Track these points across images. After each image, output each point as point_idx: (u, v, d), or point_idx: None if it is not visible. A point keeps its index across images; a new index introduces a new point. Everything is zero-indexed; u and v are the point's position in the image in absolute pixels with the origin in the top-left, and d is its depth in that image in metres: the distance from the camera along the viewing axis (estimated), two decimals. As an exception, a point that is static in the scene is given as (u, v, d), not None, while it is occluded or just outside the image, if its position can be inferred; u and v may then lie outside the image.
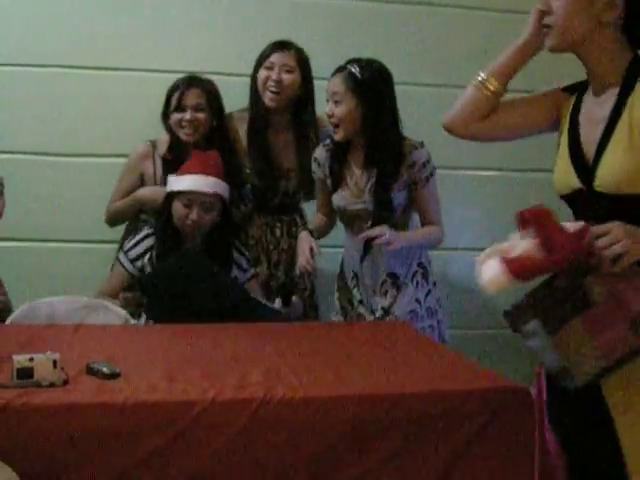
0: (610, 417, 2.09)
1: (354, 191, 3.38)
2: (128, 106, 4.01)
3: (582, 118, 2.22)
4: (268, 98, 3.58)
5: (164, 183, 3.51)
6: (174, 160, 3.55)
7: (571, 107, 2.27)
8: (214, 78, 3.68)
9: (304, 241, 3.36)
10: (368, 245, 3.30)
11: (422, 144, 3.32)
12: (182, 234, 3.38)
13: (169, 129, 3.62)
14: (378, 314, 3.36)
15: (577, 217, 2.15)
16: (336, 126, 3.28)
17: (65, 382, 2.18)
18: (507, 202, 3.29)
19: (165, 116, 3.61)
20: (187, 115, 3.54)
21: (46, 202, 3.99)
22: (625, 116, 2.08)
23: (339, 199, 3.41)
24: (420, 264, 3.42)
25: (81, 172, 4.02)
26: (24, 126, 3.97)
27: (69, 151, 4.02)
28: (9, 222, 3.12)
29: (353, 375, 2.38)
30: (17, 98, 3.95)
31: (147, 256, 3.41)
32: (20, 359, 2.16)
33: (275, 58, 3.58)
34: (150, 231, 3.45)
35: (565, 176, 2.21)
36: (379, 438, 2.16)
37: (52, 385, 2.15)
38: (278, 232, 3.73)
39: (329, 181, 3.45)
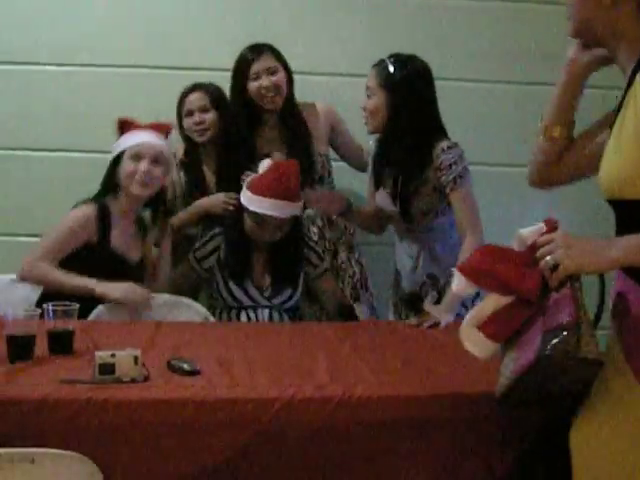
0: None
1: (383, 193, 3.41)
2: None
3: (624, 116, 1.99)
4: (269, 103, 3.65)
5: (187, 188, 3.72)
6: (192, 163, 3.74)
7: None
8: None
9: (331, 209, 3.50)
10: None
11: (455, 144, 3.23)
12: (252, 242, 3.44)
13: (185, 137, 3.75)
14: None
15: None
16: (366, 119, 3.30)
17: (146, 378, 2.22)
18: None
19: (180, 126, 3.73)
20: (195, 117, 3.67)
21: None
22: (622, 113, 1.90)
23: (378, 198, 3.44)
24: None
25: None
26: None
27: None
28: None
29: (429, 374, 2.39)
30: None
31: (214, 256, 3.48)
32: (102, 355, 2.21)
33: (256, 67, 3.62)
34: (218, 231, 3.51)
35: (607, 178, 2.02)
36: (466, 438, 2.18)
37: (133, 381, 2.19)
38: (320, 223, 3.76)
39: (373, 179, 3.50)
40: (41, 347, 2.43)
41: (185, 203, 3.70)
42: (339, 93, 3.95)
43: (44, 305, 2.49)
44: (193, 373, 2.29)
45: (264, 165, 3.36)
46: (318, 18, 4.13)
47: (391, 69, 3.21)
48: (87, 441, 2.01)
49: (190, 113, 3.68)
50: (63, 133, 4.04)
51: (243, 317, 3.43)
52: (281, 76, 3.64)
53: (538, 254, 1.85)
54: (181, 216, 3.69)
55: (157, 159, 3.31)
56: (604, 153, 1.92)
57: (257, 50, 3.63)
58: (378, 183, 3.43)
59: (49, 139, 4.04)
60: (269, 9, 4.09)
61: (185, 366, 2.31)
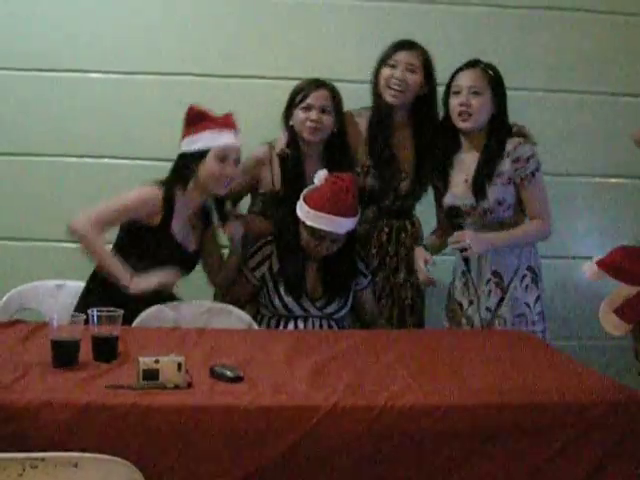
0: None
1: (464, 188, 3.52)
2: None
3: None
4: (390, 95, 3.64)
5: (283, 184, 3.64)
6: (293, 158, 3.65)
7: None
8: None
9: (418, 256, 3.54)
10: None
11: (526, 139, 3.50)
12: (306, 252, 3.49)
13: (289, 129, 3.67)
14: (483, 315, 3.48)
15: None
16: (469, 115, 3.45)
17: (189, 385, 2.26)
18: (634, 210, 3.24)
19: (287, 115, 3.67)
20: (313, 114, 3.58)
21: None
22: None
23: (448, 198, 3.56)
24: (530, 268, 3.51)
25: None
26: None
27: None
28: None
29: (476, 383, 2.42)
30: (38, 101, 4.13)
31: (266, 265, 3.53)
32: (146, 361, 2.25)
33: (400, 57, 3.64)
34: (267, 239, 3.56)
35: None
36: (504, 449, 2.20)
37: (176, 387, 2.24)
38: (384, 237, 3.76)
39: (441, 185, 3.61)
40: (85, 353, 2.47)
41: (277, 199, 3.67)
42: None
43: (88, 311, 2.53)
44: (236, 380, 2.32)
45: (320, 177, 3.41)
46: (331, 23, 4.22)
47: (491, 71, 3.49)
48: (130, 447, 2.05)
49: (309, 108, 3.59)
50: (108, 139, 4.15)
51: (291, 326, 3.48)
52: (416, 78, 3.65)
53: None
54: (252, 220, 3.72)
55: (238, 161, 3.40)
56: None
57: (408, 44, 3.68)
58: (445, 184, 3.58)
59: (92, 146, 4.15)
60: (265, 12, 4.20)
61: (228, 373, 2.34)
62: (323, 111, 3.59)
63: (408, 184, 3.75)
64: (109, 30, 4.11)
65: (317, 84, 3.63)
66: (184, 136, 3.36)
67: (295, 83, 3.70)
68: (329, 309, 3.52)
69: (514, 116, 3.55)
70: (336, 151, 3.66)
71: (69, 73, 4.12)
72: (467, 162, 3.54)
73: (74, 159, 4.16)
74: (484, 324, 3.48)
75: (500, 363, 2.72)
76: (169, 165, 3.44)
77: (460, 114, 3.45)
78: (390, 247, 3.75)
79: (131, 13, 4.13)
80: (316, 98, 3.59)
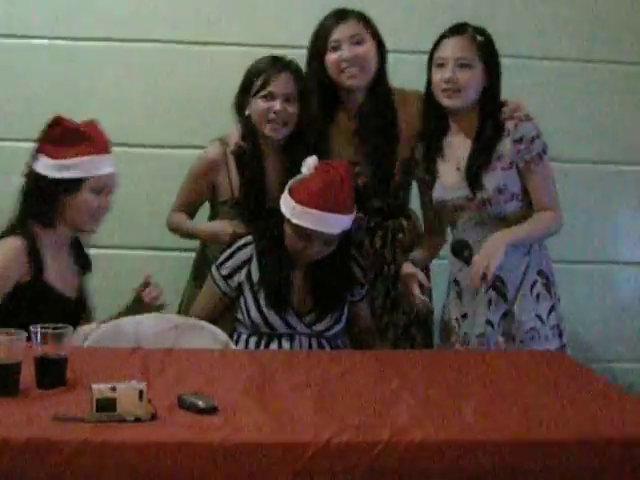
0: None
1: (455, 178, 3.38)
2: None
3: None
4: (346, 78, 3.51)
5: (242, 189, 3.50)
6: (251, 154, 3.50)
7: None
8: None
9: (409, 277, 3.38)
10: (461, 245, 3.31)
11: (528, 116, 3.34)
12: (292, 255, 3.35)
13: (245, 119, 3.51)
14: (478, 330, 3.32)
15: None
16: (456, 91, 3.29)
17: (153, 417, 2.19)
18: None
19: (241, 103, 3.51)
20: (277, 105, 3.42)
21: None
22: None
23: (438, 191, 3.42)
24: (540, 272, 3.36)
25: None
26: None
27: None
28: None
29: (498, 415, 2.37)
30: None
31: (244, 271, 3.39)
32: (101, 388, 2.17)
33: (339, 33, 3.49)
34: (245, 241, 3.42)
35: None
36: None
37: (138, 420, 2.15)
38: (379, 242, 3.63)
39: (428, 177, 3.46)
40: (28, 377, 2.39)
41: (233, 206, 3.54)
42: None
43: (31, 327, 2.43)
44: (209, 411, 2.24)
45: (309, 165, 3.25)
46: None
47: (481, 38, 3.32)
48: None
49: (271, 97, 3.42)
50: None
51: (275, 346, 3.36)
52: (368, 47, 3.51)
53: None
54: (185, 227, 3.62)
55: (112, 190, 3.22)
56: None
57: (340, 15, 3.53)
58: (433, 175, 3.44)
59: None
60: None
61: (200, 403, 2.26)
62: (288, 100, 3.44)
63: (399, 175, 3.63)
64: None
65: (279, 66, 3.46)
66: (47, 154, 3.09)
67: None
68: (319, 326, 3.39)
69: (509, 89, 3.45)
70: (299, 145, 3.50)
71: (8, 39, 4.09)
72: (457, 147, 3.39)
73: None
74: (483, 342, 3.33)
75: (527, 390, 2.63)
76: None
77: (445, 90, 3.31)
78: (387, 253, 3.63)
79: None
80: (279, 85, 3.44)
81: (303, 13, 4.00)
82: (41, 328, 2.41)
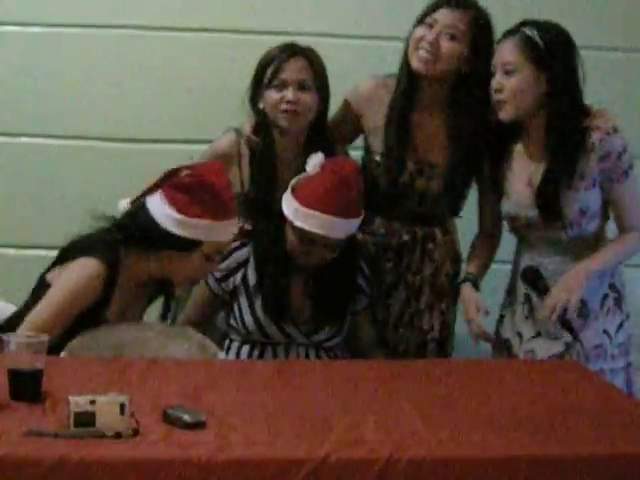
0: None
1: (525, 192, 3.23)
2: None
3: None
4: (417, 60, 3.35)
5: (251, 185, 3.41)
6: (263, 150, 3.40)
7: None
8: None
9: (469, 300, 3.28)
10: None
11: (615, 129, 3.14)
12: (292, 260, 3.28)
13: (259, 112, 3.42)
14: (557, 349, 3.21)
15: None
16: (504, 102, 3.16)
17: (135, 432, 2.14)
18: None
19: (254, 95, 3.42)
20: (289, 94, 3.30)
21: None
22: None
23: (507, 205, 3.28)
24: (612, 286, 3.25)
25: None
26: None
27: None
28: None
29: (507, 429, 2.32)
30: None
31: (239, 274, 3.32)
32: (79, 401, 2.14)
33: (440, 15, 3.34)
34: (240, 242, 3.36)
35: None
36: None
37: (118, 436, 2.11)
38: (404, 247, 3.52)
39: (490, 182, 3.34)
40: (1, 389, 2.35)
41: (242, 201, 3.38)
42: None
43: (3, 336, 2.38)
44: (197, 426, 2.20)
45: (315, 163, 3.17)
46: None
47: (537, 38, 3.12)
48: None
49: (283, 85, 3.31)
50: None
51: (269, 356, 3.31)
52: (455, 46, 3.34)
53: None
54: None
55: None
56: None
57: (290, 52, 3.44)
58: (500, 186, 3.32)
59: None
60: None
61: (186, 417, 2.21)
62: (302, 87, 3.32)
63: (439, 183, 3.47)
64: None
65: (291, 52, 3.35)
66: (170, 201, 2.97)
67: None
68: (319, 336, 3.33)
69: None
70: (321, 140, 3.40)
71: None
72: (528, 157, 3.26)
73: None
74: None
75: (535, 404, 2.59)
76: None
77: (497, 102, 3.18)
78: (412, 261, 3.51)
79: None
80: (292, 71, 3.31)
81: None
82: (15, 337, 2.37)
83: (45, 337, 2.42)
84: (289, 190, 3.20)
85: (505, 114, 3.14)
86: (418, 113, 3.43)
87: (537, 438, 2.24)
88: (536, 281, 3.16)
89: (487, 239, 3.46)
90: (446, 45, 3.28)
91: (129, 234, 3.00)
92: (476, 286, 3.31)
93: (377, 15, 3.96)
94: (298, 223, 3.14)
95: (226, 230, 3.02)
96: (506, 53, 3.14)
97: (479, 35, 3.32)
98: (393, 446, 2.09)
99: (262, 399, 2.49)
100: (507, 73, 3.11)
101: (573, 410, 2.52)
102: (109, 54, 3.99)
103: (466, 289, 3.31)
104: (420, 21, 3.32)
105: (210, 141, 3.54)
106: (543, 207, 3.16)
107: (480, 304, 3.23)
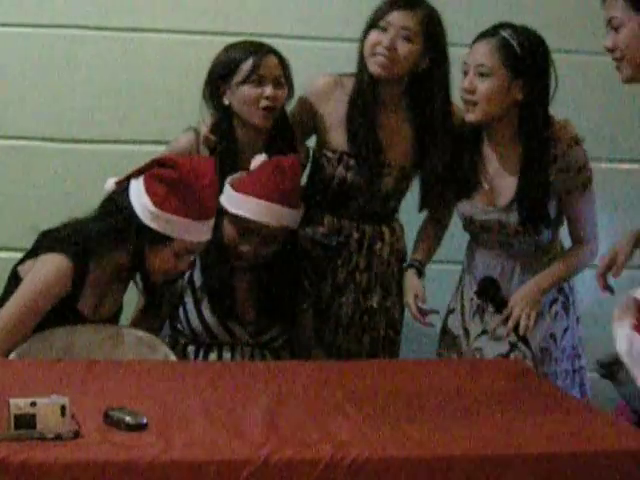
0: None
1: (487, 197, 3.26)
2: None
3: None
4: (375, 64, 3.33)
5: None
6: (225, 150, 3.36)
7: None
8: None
9: (409, 287, 3.32)
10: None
11: (577, 141, 3.19)
12: (232, 257, 3.28)
13: (223, 109, 3.37)
14: (503, 349, 3.23)
15: None
16: (474, 104, 3.14)
17: (76, 434, 2.13)
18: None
19: (215, 91, 3.37)
20: (268, 90, 3.26)
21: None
22: None
23: (468, 207, 3.29)
24: (561, 290, 3.28)
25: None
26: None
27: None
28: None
29: (452, 429, 2.33)
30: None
31: (186, 275, 3.30)
32: (19, 403, 2.12)
33: (393, 18, 3.33)
34: None
35: None
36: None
37: (59, 438, 2.10)
38: (354, 245, 3.51)
39: (454, 185, 3.34)
40: None
41: None
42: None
43: None
44: (139, 427, 2.20)
45: (257, 162, 3.18)
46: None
47: (515, 42, 3.11)
48: None
49: (261, 81, 3.27)
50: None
51: (214, 356, 3.29)
52: (411, 47, 3.33)
53: None
54: None
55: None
56: None
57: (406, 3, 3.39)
58: (466, 189, 3.31)
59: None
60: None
61: (128, 419, 2.20)
62: (278, 84, 3.31)
63: (392, 180, 3.48)
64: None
65: (266, 49, 3.33)
66: (150, 195, 2.94)
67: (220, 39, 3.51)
68: (264, 337, 3.33)
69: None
70: (281, 138, 3.40)
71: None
72: (488, 162, 3.28)
73: None
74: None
75: (477, 402, 2.62)
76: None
77: (465, 102, 3.17)
78: (361, 260, 3.51)
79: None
80: (269, 68, 3.29)
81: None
82: None
83: None
84: (227, 182, 3.20)
85: (474, 116, 3.14)
86: (378, 113, 3.44)
87: (478, 436, 2.27)
88: (493, 294, 3.19)
89: (434, 224, 3.48)
90: (402, 47, 3.27)
91: (102, 228, 2.98)
92: (420, 272, 3.33)
93: (330, 16, 3.96)
94: (233, 210, 3.13)
95: (200, 230, 2.99)
96: (481, 55, 3.11)
97: (432, 32, 3.31)
98: (336, 446, 2.09)
99: (204, 400, 2.48)
100: (481, 75, 3.09)
101: (515, 409, 2.54)
102: (53, 54, 3.96)
103: (409, 275, 3.35)
104: (372, 25, 3.31)
105: (159, 142, 3.56)
106: (527, 217, 3.17)
107: (419, 292, 3.26)
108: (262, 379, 2.78)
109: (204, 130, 3.36)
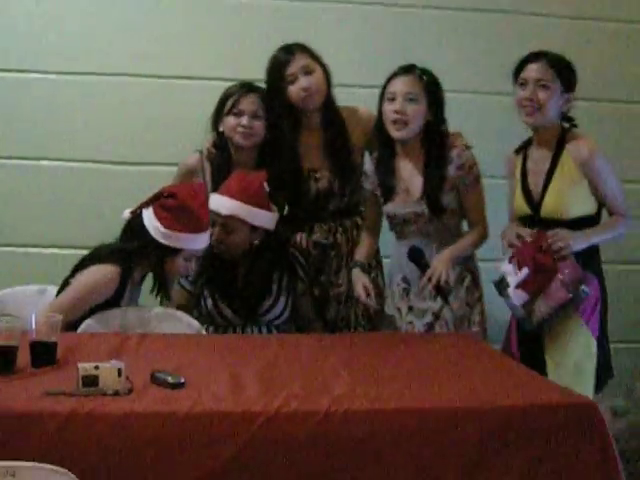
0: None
1: (404, 196, 3.54)
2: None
3: (529, 166, 3.49)
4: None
5: (212, 188, 3.64)
6: (222, 163, 3.67)
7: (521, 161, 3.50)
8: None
9: (357, 282, 3.55)
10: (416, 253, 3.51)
11: (468, 147, 3.52)
12: (217, 250, 3.48)
13: (219, 134, 3.67)
14: (427, 319, 3.53)
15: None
16: (404, 123, 3.43)
17: (130, 391, 2.28)
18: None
19: (216, 121, 3.67)
20: (244, 120, 3.59)
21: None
22: (559, 169, 3.36)
23: (391, 207, 3.56)
24: (468, 268, 3.58)
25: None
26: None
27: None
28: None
29: (420, 388, 2.46)
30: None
31: (204, 276, 3.54)
32: (86, 367, 2.27)
33: (294, 64, 3.64)
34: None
35: (520, 205, 3.45)
36: (449, 452, 2.26)
37: (116, 394, 2.25)
38: (341, 238, 3.77)
39: (379, 191, 3.60)
40: (24, 359, 2.48)
41: None
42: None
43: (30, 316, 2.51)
44: (177, 386, 2.34)
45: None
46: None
47: (426, 76, 3.49)
48: (70, 454, 2.07)
49: (240, 114, 3.59)
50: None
51: (230, 332, 3.49)
52: (318, 75, 3.66)
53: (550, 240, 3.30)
54: None
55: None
56: (547, 191, 3.40)
57: (290, 50, 3.66)
58: (388, 194, 3.59)
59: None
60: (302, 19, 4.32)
61: (169, 379, 2.36)
62: (254, 116, 3.59)
63: (325, 184, 3.75)
64: (50, 30, 4.17)
65: (247, 89, 3.63)
66: (159, 219, 3.25)
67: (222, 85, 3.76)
68: (267, 316, 3.52)
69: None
70: (270, 156, 3.66)
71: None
72: (404, 170, 3.56)
73: (47, 162, 4.25)
74: (427, 328, 3.52)
75: (443, 367, 2.76)
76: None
77: (395, 122, 3.44)
78: (349, 248, 3.77)
79: (68, 13, 4.21)
80: (247, 103, 3.60)
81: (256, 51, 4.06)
82: (35, 316, 2.52)
83: (59, 317, 2.59)
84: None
85: (404, 133, 3.45)
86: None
87: (440, 392, 2.43)
88: (419, 259, 3.45)
89: (370, 233, 3.74)
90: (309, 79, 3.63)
91: (134, 245, 3.25)
92: (364, 269, 3.61)
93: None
94: (212, 207, 3.38)
95: (200, 240, 3.29)
96: (408, 84, 3.46)
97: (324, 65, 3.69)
98: (331, 400, 2.25)
99: (229, 364, 2.63)
100: (410, 100, 3.41)
101: (467, 371, 2.71)
102: (107, 95, 4.23)
103: (355, 272, 3.59)
104: (283, 80, 3.62)
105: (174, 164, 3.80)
106: (431, 206, 3.46)
107: (367, 285, 3.51)
108: (273, 349, 2.91)
109: (207, 145, 3.64)
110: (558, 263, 3.29)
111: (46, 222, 4.18)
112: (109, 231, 3.37)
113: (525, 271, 3.31)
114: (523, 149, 3.53)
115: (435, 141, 3.51)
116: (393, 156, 3.58)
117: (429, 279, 3.35)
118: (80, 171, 4.23)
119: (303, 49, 3.66)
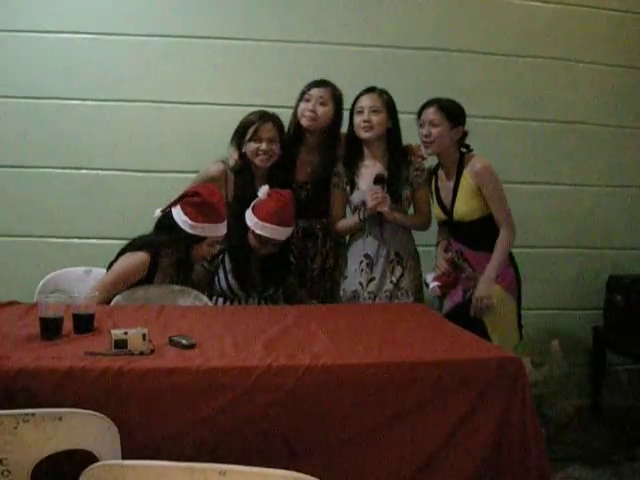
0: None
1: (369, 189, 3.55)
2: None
3: (440, 185, 3.54)
4: (305, 120, 3.59)
5: (236, 197, 3.56)
6: (245, 179, 3.57)
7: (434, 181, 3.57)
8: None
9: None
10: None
11: (423, 157, 3.63)
12: (253, 251, 3.46)
13: (241, 155, 3.58)
14: (387, 287, 3.53)
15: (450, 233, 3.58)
16: (371, 128, 3.51)
17: (152, 351, 2.27)
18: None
19: (238, 143, 3.58)
20: (263, 145, 3.51)
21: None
22: (461, 185, 3.43)
23: (356, 198, 3.58)
24: (415, 250, 3.65)
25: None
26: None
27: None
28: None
29: (382, 346, 2.45)
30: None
31: (220, 258, 3.49)
32: (117, 332, 2.27)
33: (314, 92, 3.61)
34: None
35: (438, 213, 3.53)
36: (397, 398, 2.25)
37: (142, 354, 2.24)
38: (320, 233, 3.72)
39: (348, 187, 3.62)
40: (68, 327, 2.47)
41: (233, 210, 3.49)
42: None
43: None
44: (190, 347, 2.32)
45: (264, 191, 3.38)
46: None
47: (384, 95, 3.57)
48: (105, 402, 2.05)
49: (259, 140, 3.51)
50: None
51: (236, 304, 3.47)
52: (328, 109, 3.61)
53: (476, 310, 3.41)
54: None
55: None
56: (455, 202, 3.47)
57: (319, 83, 3.63)
58: (353, 188, 3.60)
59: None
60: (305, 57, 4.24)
61: (184, 341, 2.34)
62: (271, 141, 3.53)
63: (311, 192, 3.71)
64: (82, 60, 4.10)
65: (265, 118, 3.54)
66: (187, 214, 3.20)
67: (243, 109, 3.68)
68: (266, 292, 3.51)
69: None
70: (279, 171, 3.61)
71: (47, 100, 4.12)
72: (371, 167, 3.59)
73: (85, 171, 4.19)
74: (389, 296, 3.51)
75: (399, 330, 2.74)
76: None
77: (363, 127, 3.51)
78: (322, 238, 3.72)
79: (100, 47, 4.12)
80: (265, 131, 3.52)
81: (275, 81, 4.16)
82: (77, 293, 2.53)
83: (96, 294, 2.64)
84: (250, 209, 3.37)
85: (371, 134, 3.52)
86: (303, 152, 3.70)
87: (396, 350, 2.41)
88: (382, 180, 3.49)
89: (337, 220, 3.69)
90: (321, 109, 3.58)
91: (163, 235, 3.21)
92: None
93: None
94: (257, 231, 3.34)
95: (220, 228, 3.24)
96: (372, 100, 3.53)
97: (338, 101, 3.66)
98: (312, 356, 2.24)
99: (232, 329, 2.61)
100: (374, 111, 3.47)
101: (419, 333, 2.69)
102: (143, 119, 4.16)
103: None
104: (300, 99, 3.59)
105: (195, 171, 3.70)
106: (391, 192, 3.49)
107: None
108: (266, 317, 2.89)
109: (233, 159, 3.56)
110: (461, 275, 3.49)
111: (90, 219, 4.15)
112: (137, 226, 3.34)
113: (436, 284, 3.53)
114: (434, 172, 3.61)
115: (396, 144, 3.58)
116: (360, 158, 3.61)
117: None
118: (115, 178, 4.18)
119: (327, 84, 3.63)
